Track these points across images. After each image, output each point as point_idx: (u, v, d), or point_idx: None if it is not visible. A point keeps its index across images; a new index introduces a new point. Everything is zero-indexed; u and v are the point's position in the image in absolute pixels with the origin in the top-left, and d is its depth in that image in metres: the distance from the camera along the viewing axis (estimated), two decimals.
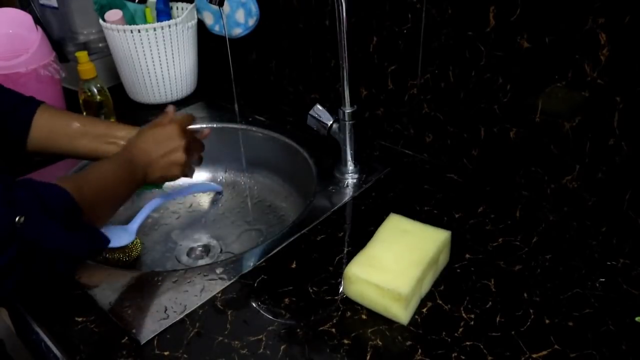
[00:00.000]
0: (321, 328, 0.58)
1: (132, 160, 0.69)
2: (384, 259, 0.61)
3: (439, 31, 0.78)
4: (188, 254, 0.90)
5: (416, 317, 0.59)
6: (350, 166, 0.85)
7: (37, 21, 1.07)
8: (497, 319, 0.58)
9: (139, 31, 1.00)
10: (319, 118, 0.85)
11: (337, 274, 0.65)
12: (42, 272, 0.52)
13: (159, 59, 1.04)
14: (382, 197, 0.80)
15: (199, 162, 0.84)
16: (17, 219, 0.47)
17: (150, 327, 0.58)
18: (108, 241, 0.58)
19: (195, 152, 0.80)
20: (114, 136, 0.76)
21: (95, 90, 0.97)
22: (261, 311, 0.60)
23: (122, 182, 0.67)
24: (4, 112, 0.70)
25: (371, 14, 0.85)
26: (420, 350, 0.55)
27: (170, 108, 0.80)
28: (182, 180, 1.01)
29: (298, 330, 0.58)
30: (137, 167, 0.69)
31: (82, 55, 0.94)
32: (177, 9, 1.11)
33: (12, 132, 0.71)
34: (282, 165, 0.99)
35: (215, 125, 1.03)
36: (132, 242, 0.85)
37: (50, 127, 0.73)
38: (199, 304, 0.61)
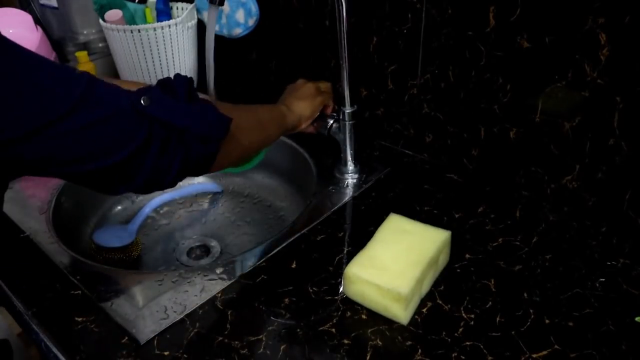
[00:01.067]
0: (321, 328, 0.58)
1: (274, 106, 0.77)
2: (384, 259, 0.61)
3: (439, 31, 0.78)
4: (188, 254, 0.90)
5: (416, 317, 0.59)
6: (350, 166, 0.85)
7: (37, 21, 1.07)
8: (497, 319, 0.58)
9: (139, 31, 1.00)
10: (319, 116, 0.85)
11: (337, 274, 0.65)
12: (176, 158, 0.51)
13: (159, 59, 1.04)
14: (382, 197, 0.80)
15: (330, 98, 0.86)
16: (142, 100, 0.48)
17: (150, 327, 0.58)
18: (230, 120, 0.57)
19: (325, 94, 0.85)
20: None
21: None
22: (261, 311, 0.60)
23: (268, 114, 0.72)
24: None
25: (371, 14, 0.85)
26: (420, 350, 0.55)
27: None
28: (182, 180, 1.01)
29: (298, 330, 0.58)
30: (280, 106, 0.76)
31: (82, 55, 0.94)
32: (177, 9, 1.11)
33: None
34: (282, 165, 0.99)
35: None
36: (132, 242, 0.85)
37: None
38: (199, 304, 0.61)
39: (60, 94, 0.43)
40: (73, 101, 0.43)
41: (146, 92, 0.49)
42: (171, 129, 0.50)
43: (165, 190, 1.01)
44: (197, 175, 0.57)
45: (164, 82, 0.53)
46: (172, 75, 0.54)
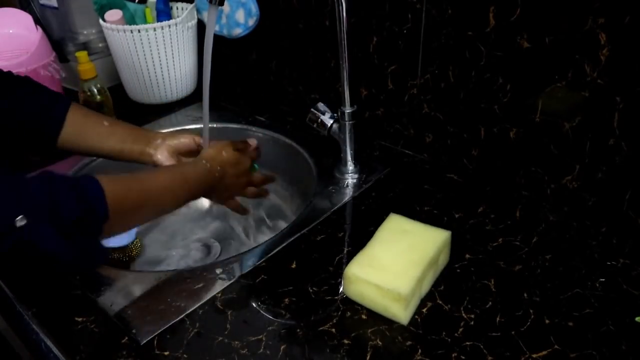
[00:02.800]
0: (321, 328, 0.58)
1: (202, 187, 0.70)
2: (384, 259, 0.61)
3: (439, 31, 0.78)
4: (188, 254, 0.90)
5: (416, 317, 0.59)
6: (350, 166, 0.85)
7: (37, 21, 1.07)
8: (497, 319, 0.58)
9: (139, 31, 1.00)
10: (320, 116, 0.84)
11: (337, 274, 0.65)
12: (35, 266, 0.51)
13: (159, 59, 1.04)
14: (382, 197, 0.80)
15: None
16: (18, 217, 0.46)
17: (150, 327, 0.58)
18: (107, 259, 0.56)
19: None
20: (141, 136, 0.77)
21: (95, 90, 0.97)
22: (261, 311, 0.60)
23: (176, 200, 0.65)
24: (39, 109, 0.71)
25: (371, 14, 0.85)
26: (420, 350, 0.55)
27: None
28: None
29: (298, 330, 0.58)
30: (201, 192, 0.70)
31: (82, 55, 0.94)
32: (177, 9, 1.11)
33: (46, 128, 0.72)
34: (282, 165, 0.99)
35: (215, 125, 1.03)
36: (132, 242, 0.85)
37: (82, 126, 0.74)
38: (199, 304, 0.61)
39: None
40: None
41: (32, 202, 0.48)
42: (35, 251, 0.49)
43: None
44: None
45: (60, 191, 0.50)
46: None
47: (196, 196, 0.69)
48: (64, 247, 0.50)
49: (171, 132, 0.79)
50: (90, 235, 0.54)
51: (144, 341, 0.57)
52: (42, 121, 0.71)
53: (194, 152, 0.79)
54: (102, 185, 0.53)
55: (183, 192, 0.66)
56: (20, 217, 0.47)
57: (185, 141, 0.78)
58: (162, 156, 0.75)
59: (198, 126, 1.01)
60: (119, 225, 0.57)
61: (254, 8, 1.01)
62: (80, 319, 0.60)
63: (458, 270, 0.65)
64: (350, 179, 0.84)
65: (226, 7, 1.03)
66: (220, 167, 0.71)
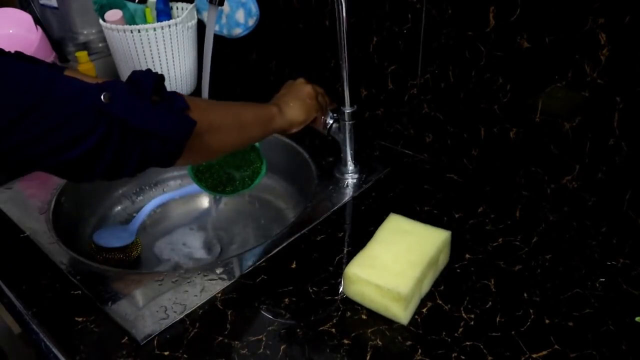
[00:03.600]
0: (321, 328, 0.58)
1: (266, 104, 0.71)
2: (384, 259, 0.61)
3: (439, 31, 0.78)
4: (188, 254, 0.90)
5: (416, 317, 0.59)
6: (350, 166, 0.85)
7: (37, 21, 1.07)
8: (497, 319, 0.58)
9: (139, 31, 1.00)
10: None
11: (337, 274, 0.65)
12: (134, 153, 0.51)
13: (159, 59, 1.04)
14: (382, 197, 0.80)
15: (327, 110, 0.83)
16: (103, 96, 0.47)
17: (150, 327, 0.58)
18: (194, 123, 0.56)
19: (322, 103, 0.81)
20: None
21: None
22: (261, 311, 0.60)
23: (257, 118, 0.68)
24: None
25: (371, 14, 0.85)
26: (420, 350, 0.55)
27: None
28: (182, 180, 1.02)
29: (298, 330, 0.58)
30: (271, 106, 0.71)
31: (82, 55, 0.94)
32: (177, 9, 1.11)
33: None
34: (282, 165, 0.99)
35: None
36: (132, 242, 0.85)
37: None
38: (199, 304, 0.61)
39: (20, 93, 0.44)
40: (32, 101, 0.44)
41: (109, 87, 0.49)
42: (129, 128, 0.50)
43: (165, 191, 1.01)
44: (162, 167, 0.56)
45: (133, 77, 0.53)
46: (168, 78, 0.54)
47: (272, 114, 0.70)
48: (155, 115, 0.51)
49: None
50: (175, 105, 0.54)
51: (144, 341, 0.57)
52: None
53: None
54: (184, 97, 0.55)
55: (259, 111, 0.69)
56: (105, 93, 0.47)
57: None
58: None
59: None
60: (201, 145, 0.58)
61: (254, 8, 1.01)
62: (80, 319, 0.60)
63: (458, 270, 0.65)
64: (350, 179, 0.84)
65: (226, 7, 1.03)
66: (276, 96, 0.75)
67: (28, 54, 1.00)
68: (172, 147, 0.54)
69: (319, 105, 0.78)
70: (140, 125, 0.50)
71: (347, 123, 0.81)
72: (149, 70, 0.54)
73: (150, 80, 0.52)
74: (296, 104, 0.74)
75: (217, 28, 1.10)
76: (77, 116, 0.46)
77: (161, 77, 0.54)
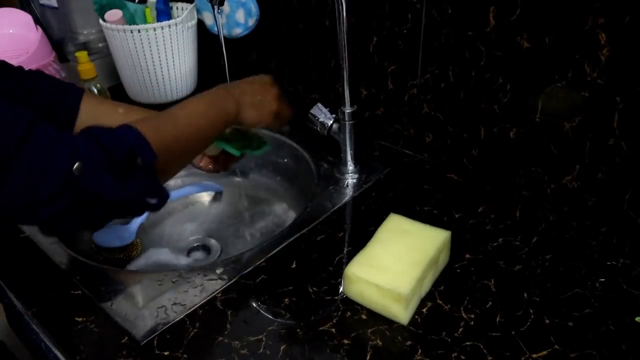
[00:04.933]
0: (321, 328, 0.58)
1: (225, 97, 0.66)
2: (384, 259, 0.61)
3: (439, 31, 0.78)
4: (188, 254, 0.90)
5: (416, 317, 0.59)
6: (350, 166, 0.85)
7: (37, 21, 1.07)
8: (497, 319, 0.58)
9: (139, 31, 1.00)
10: (320, 116, 0.84)
11: (337, 274, 0.65)
12: (98, 218, 0.51)
13: (159, 59, 1.04)
14: (382, 197, 0.80)
15: (286, 122, 0.78)
16: (75, 165, 0.46)
17: (150, 327, 0.58)
18: (168, 196, 0.56)
19: (283, 114, 0.75)
20: None
21: (95, 90, 0.97)
22: (261, 311, 0.60)
23: (212, 121, 0.64)
24: (51, 101, 0.69)
25: (371, 14, 0.85)
26: (420, 350, 0.55)
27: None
28: (182, 180, 1.01)
29: (298, 330, 0.58)
30: (229, 102, 0.66)
31: (82, 55, 0.94)
32: (177, 9, 1.11)
33: (60, 121, 0.70)
34: (282, 165, 0.99)
35: None
36: (132, 242, 0.85)
37: (96, 115, 0.72)
38: (199, 304, 0.61)
39: None
40: (1, 156, 0.43)
41: (84, 154, 0.47)
42: (98, 200, 0.49)
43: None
44: None
45: (106, 142, 0.50)
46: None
47: (228, 113, 0.66)
48: (124, 188, 0.50)
49: None
50: (146, 174, 0.53)
51: (144, 341, 0.57)
52: (56, 114, 0.70)
53: None
54: (139, 130, 0.53)
55: (215, 112, 0.64)
56: (77, 164, 0.46)
57: None
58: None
59: None
60: (168, 162, 0.56)
61: (254, 8, 1.01)
62: (80, 319, 0.60)
63: (458, 270, 0.65)
64: (350, 179, 0.84)
65: (226, 7, 1.03)
66: (246, 85, 0.70)
67: (28, 54, 1.01)
68: (138, 214, 0.55)
69: (279, 115, 0.73)
70: (110, 199, 0.49)
71: (347, 123, 0.81)
72: (124, 128, 0.52)
73: (123, 150, 0.50)
74: (255, 110, 0.69)
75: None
76: (44, 182, 0.45)
77: (135, 140, 0.52)
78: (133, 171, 0.51)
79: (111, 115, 0.73)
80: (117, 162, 0.50)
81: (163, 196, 0.55)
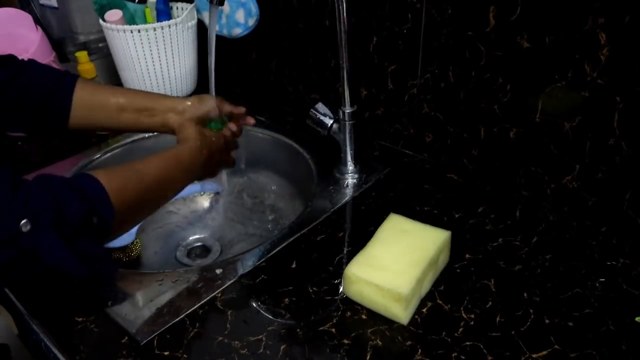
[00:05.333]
0: (321, 328, 0.58)
1: (189, 162, 0.68)
2: (384, 259, 0.61)
3: (439, 31, 0.78)
4: (188, 254, 0.90)
5: (416, 317, 0.59)
6: (350, 166, 0.85)
7: (37, 21, 1.07)
8: (497, 319, 0.58)
9: (139, 31, 1.00)
10: (320, 116, 0.84)
11: (337, 274, 0.65)
12: (37, 276, 0.50)
13: (159, 59, 1.04)
14: (382, 197, 0.80)
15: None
16: (22, 223, 0.45)
17: (150, 327, 0.58)
18: (114, 272, 0.56)
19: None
20: (155, 109, 0.74)
21: None
22: (261, 311, 0.60)
23: (174, 181, 0.65)
24: (45, 92, 0.68)
25: (371, 14, 0.85)
26: (420, 350, 0.55)
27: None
28: None
29: (298, 330, 0.58)
30: (193, 167, 0.69)
31: (82, 55, 0.94)
32: (177, 9, 1.11)
33: (54, 111, 0.69)
34: (282, 165, 0.99)
35: None
36: (132, 242, 0.85)
37: (90, 106, 0.71)
38: (199, 304, 0.61)
39: None
40: None
41: (34, 211, 0.46)
42: (40, 260, 0.47)
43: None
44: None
45: (62, 199, 0.49)
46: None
47: (192, 177, 0.68)
48: (68, 256, 0.49)
49: (189, 97, 0.77)
50: (99, 237, 0.52)
51: (144, 341, 0.57)
52: (50, 103, 0.69)
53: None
54: (101, 181, 0.52)
55: (180, 174, 0.65)
56: (24, 221, 0.45)
57: (209, 112, 0.77)
58: (188, 131, 0.72)
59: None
60: (124, 221, 0.56)
61: (254, 8, 1.01)
62: (80, 319, 0.60)
63: (458, 270, 0.65)
64: (350, 179, 0.84)
65: (226, 7, 1.03)
66: (206, 149, 0.70)
67: (28, 53, 1.01)
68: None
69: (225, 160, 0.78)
70: (50, 263, 0.48)
71: (347, 123, 0.81)
72: (89, 181, 0.52)
73: (78, 214, 0.49)
74: (211, 172, 0.74)
75: (217, 28, 1.09)
76: None
77: (91, 210, 0.51)
78: (83, 234, 0.50)
79: (104, 103, 0.72)
80: (68, 221, 0.48)
81: (109, 270, 0.55)
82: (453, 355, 0.54)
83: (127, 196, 0.55)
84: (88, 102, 0.71)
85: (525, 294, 0.61)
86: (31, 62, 0.71)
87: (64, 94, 0.70)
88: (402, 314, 0.57)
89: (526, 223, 0.72)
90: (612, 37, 0.62)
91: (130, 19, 1.05)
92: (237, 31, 1.06)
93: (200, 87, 1.17)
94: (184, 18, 1.03)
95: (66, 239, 0.48)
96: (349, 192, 0.81)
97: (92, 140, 0.97)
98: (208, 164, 0.72)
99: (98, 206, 0.51)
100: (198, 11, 1.09)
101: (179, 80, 1.09)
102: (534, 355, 0.53)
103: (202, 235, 0.93)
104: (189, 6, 1.06)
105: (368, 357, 0.54)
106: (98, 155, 0.94)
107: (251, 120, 0.82)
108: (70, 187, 0.50)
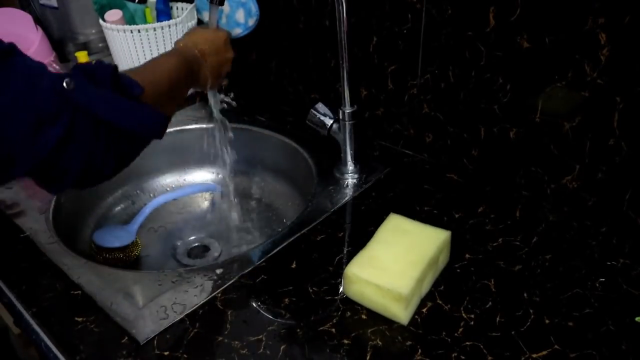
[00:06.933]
0: (321, 328, 0.58)
1: (192, 61, 0.67)
2: (384, 259, 0.61)
3: (439, 31, 0.78)
4: (188, 254, 0.90)
5: (416, 317, 0.59)
6: (350, 166, 0.85)
7: (37, 21, 1.07)
8: (497, 319, 0.58)
9: (139, 31, 1.00)
10: (320, 116, 0.84)
11: (337, 274, 0.65)
12: (101, 149, 0.47)
13: None
14: (382, 197, 0.80)
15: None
16: (65, 82, 0.44)
17: (150, 327, 0.58)
18: (168, 119, 0.54)
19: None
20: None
21: None
22: (261, 311, 0.60)
23: (181, 79, 0.64)
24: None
25: (371, 14, 0.85)
26: (420, 350, 0.55)
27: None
28: (183, 180, 1.02)
29: (298, 330, 0.58)
30: (194, 65, 0.68)
31: (82, 55, 0.94)
32: (177, 9, 1.11)
33: None
34: (282, 165, 0.99)
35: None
36: (132, 242, 0.85)
37: None
38: (199, 304, 0.61)
39: None
40: None
41: (70, 75, 0.45)
42: (98, 121, 0.46)
43: (165, 190, 1.01)
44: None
45: (88, 68, 0.48)
46: None
47: (194, 82, 0.68)
48: (121, 105, 0.48)
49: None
50: (135, 91, 0.52)
51: (144, 341, 0.57)
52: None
53: None
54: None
55: (183, 71, 0.64)
56: (66, 79, 0.44)
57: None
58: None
59: (198, 126, 1.01)
60: (153, 96, 0.55)
61: (254, 8, 1.01)
62: (80, 319, 0.60)
63: (458, 270, 0.65)
64: (350, 179, 0.84)
65: (226, 7, 1.03)
66: (201, 52, 0.70)
67: (28, 54, 1.01)
68: (144, 145, 0.52)
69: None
70: (109, 118, 0.47)
71: (347, 123, 0.81)
72: (99, 62, 0.51)
73: (106, 73, 0.49)
74: (212, 73, 0.72)
75: None
76: (33, 97, 0.42)
77: (115, 68, 0.51)
78: (123, 91, 0.49)
79: None
80: (103, 81, 0.48)
81: (162, 118, 0.53)
82: (453, 355, 0.54)
83: (145, 78, 0.55)
84: None
85: (525, 294, 0.61)
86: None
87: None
88: (402, 314, 0.57)
89: (526, 223, 0.72)
90: (612, 37, 0.62)
91: (130, 19, 1.05)
92: (237, 31, 1.05)
93: None
94: (184, 18, 1.03)
95: (110, 93, 0.48)
96: (349, 192, 0.81)
97: None
98: (211, 65, 0.71)
99: (123, 77, 0.51)
100: (198, 11, 1.09)
101: None
102: (534, 355, 0.53)
103: (202, 235, 0.93)
104: (189, 6, 1.06)
105: (368, 357, 0.54)
106: None
107: None
108: (91, 65, 0.50)
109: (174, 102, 0.62)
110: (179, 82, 0.63)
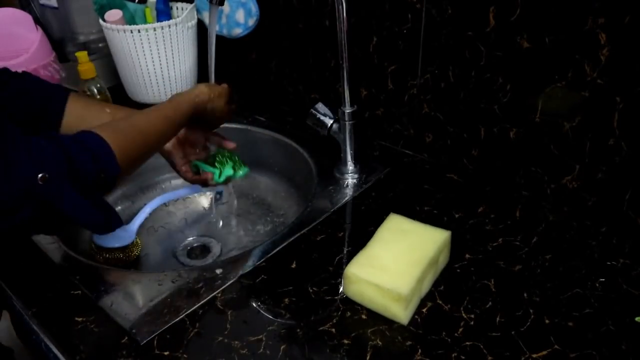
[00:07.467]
0: (321, 328, 0.58)
1: (184, 102, 0.70)
2: (384, 259, 0.61)
3: (439, 31, 0.78)
4: (188, 254, 0.90)
5: (416, 317, 0.59)
6: (350, 166, 0.85)
7: (37, 21, 1.07)
8: (497, 319, 0.58)
9: (139, 31, 1.00)
10: (320, 116, 0.84)
11: (337, 274, 0.65)
12: (52, 229, 0.53)
13: (159, 59, 1.04)
14: (382, 197, 0.80)
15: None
16: (40, 175, 0.47)
17: (150, 327, 0.58)
18: (121, 223, 0.59)
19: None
20: None
21: (95, 90, 0.97)
22: (261, 311, 0.60)
23: (169, 134, 0.67)
24: (37, 103, 0.70)
25: (371, 14, 0.85)
26: (420, 350, 0.55)
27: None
28: (183, 180, 1.01)
29: (298, 330, 0.58)
30: (186, 106, 0.70)
31: (82, 55, 0.94)
32: (177, 9, 1.11)
33: (46, 122, 0.70)
34: (282, 165, 0.99)
35: None
36: (132, 242, 0.85)
37: (82, 115, 0.72)
38: (199, 304, 0.61)
39: None
40: None
41: (50, 165, 0.48)
42: (55, 210, 0.50)
43: (165, 191, 1.01)
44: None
45: (75, 153, 0.51)
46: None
47: (185, 118, 0.70)
48: (85, 205, 0.52)
49: None
50: (105, 190, 0.56)
51: (144, 341, 0.57)
52: (42, 114, 0.70)
53: (201, 145, 0.80)
54: (108, 142, 0.55)
55: (177, 130, 0.68)
56: (41, 174, 0.47)
57: (194, 135, 0.78)
58: (169, 144, 0.76)
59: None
60: (125, 174, 0.59)
61: (254, 8, 1.01)
62: (80, 319, 0.60)
63: (458, 270, 0.65)
64: (350, 179, 0.84)
65: (226, 7, 1.03)
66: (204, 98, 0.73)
67: (28, 53, 1.01)
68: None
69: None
70: (69, 213, 0.51)
71: (347, 123, 0.81)
72: (94, 138, 0.54)
73: (92, 169, 0.52)
74: (211, 114, 0.75)
75: (217, 28, 1.09)
76: (6, 194, 0.46)
77: (107, 154, 0.54)
78: (94, 187, 0.53)
79: (98, 117, 0.73)
80: (82, 177, 0.51)
81: (116, 216, 0.58)
82: (453, 355, 0.54)
83: (131, 155, 0.58)
84: (81, 112, 0.72)
85: (525, 294, 0.61)
86: (25, 73, 0.72)
87: (57, 103, 0.71)
88: (402, 314, 0.57)
89: (526, 223, 0.72)
90: (612, 37, 0.62)
91: (130, 19, 1.05)
92: (237, 31, 1.06)
93: None
94: (184, 18, 1.03)
95: (80, 192, 0.51)
96: (349, 192, 0.81)
97: None
98: (205, 110, 0.73)
99: (107, 165, 0.54)
100: (198, 11, 1.09)
101: (179, 80, 1.09)
102: (534, 355, 0.53)
103: (202, 235, 0.93)
104: (189, 6, 1.06)
105: (368, 357, 0.54)
106: None
107: (230, 145, 0.82)
108: (81, 146, 0.52)
109: (153, 152, 0.66)
110: (166, 138, 0.67)
